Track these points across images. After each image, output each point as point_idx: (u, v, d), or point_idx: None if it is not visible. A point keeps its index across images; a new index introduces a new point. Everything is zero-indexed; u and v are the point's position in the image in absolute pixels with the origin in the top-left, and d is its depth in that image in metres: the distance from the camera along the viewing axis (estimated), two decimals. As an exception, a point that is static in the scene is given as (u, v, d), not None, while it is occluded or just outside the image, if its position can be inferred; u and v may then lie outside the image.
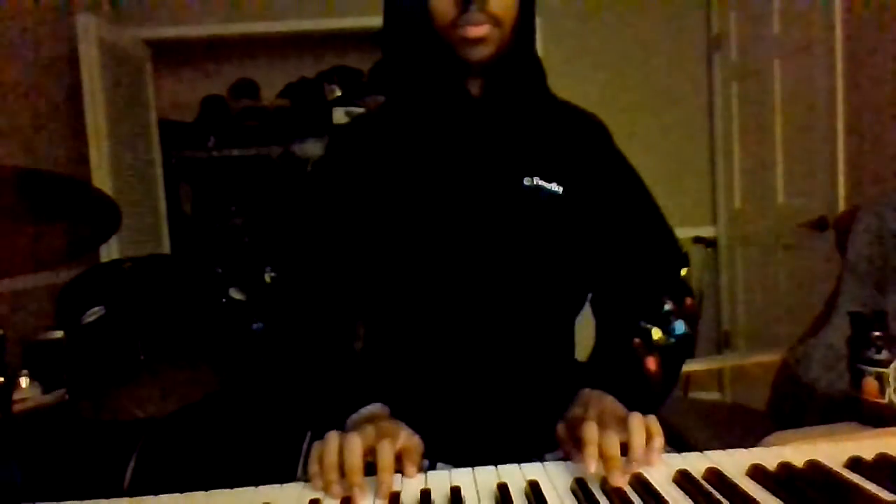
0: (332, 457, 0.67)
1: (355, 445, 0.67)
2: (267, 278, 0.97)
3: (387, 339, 0.96)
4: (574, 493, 0.63)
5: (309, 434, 1.73)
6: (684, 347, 0.92)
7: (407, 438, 0.74)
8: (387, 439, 0.68)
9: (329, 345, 0.91)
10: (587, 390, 0.83)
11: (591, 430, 0.68)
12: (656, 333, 0.90)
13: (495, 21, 0.84)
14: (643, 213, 1.00)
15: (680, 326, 0.92)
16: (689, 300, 0.96)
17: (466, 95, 0.91)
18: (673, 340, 0.91)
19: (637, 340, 0.89)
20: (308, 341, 0.91)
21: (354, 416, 0.80)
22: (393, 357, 0.95)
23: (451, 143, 0.92)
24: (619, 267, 0.97)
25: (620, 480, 0.63)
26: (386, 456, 0.66)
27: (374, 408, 0.82)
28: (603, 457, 0.66)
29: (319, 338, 0.92)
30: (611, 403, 0.79)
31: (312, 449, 0.70)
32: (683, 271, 1.00)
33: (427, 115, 0.93)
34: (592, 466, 0.65)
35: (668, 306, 0.93)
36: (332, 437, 0.70)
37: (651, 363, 0.88)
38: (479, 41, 0.85)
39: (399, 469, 0.69)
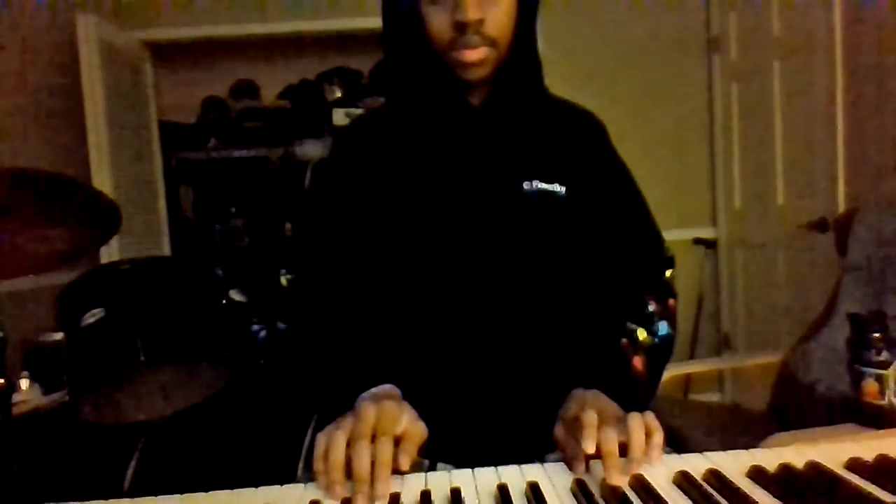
0: (337, 456, 0.66)
1: (363, 451, 0.64)
2: (283, 280, 0.97)
3: (389, 340, 0.96)
4: (574, 494, 0.63)
5: (309, 435, 1.74)
6: (667, 348, 0.94)
7: (409, 423, 0.72)
8: (386, 447, 0.66)
9: (345, 337, 0.91)
10: (580, 390, 0.83)
11: (590, 416, 0.68)
12: (642, 334, 0.92)
13: (492, 42, 0.85)
14: (633, 213, 1.01)
15: (663, 327, 0.94)
16: (671, 301, 0.97)
17: (466, 106, 0.92)
18: (657, 341, 0.92)
19: (625, 341, 0.90)
20: (328, 337, 0.91)
21: (364, 395, 0.79)
22: (394, 357, 0.95)
23: (451, 152, 0.92)
24: (605, 265, 0.97)
25: (619, 479, 0.63)
26: (383, 466, 0.64)
27: (384, 388, 0.81)
28: (601, 454, 0.65)
29: (338, 333, 0.92)
30: (606, 403, 0.79)
31: (317, 441, 0.69)
32: (668, 273, 1.01)
33: (427, 124, 0.93)
34: (591, 447, 0.65)
35: (651, 307, 0.95)
36: (338, 436, 0.67)
37: (638, 363, 0.89)
38: (476, 64, 0.85)
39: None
